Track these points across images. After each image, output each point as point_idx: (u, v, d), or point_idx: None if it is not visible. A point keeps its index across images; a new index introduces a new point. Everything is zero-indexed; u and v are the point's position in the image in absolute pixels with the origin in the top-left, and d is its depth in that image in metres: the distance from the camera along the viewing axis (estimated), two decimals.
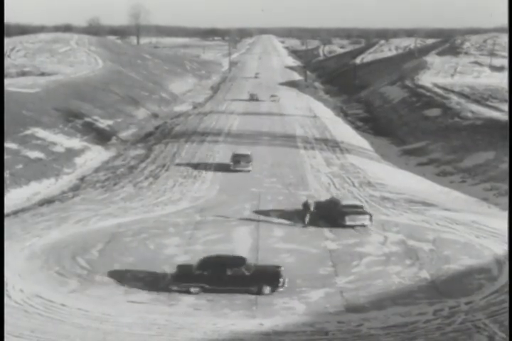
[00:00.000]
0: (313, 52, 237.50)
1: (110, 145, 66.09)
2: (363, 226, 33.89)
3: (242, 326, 22.31)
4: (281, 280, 25.25)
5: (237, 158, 48.63)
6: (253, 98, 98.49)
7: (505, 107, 69.94)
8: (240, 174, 47.58)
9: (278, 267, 26.27)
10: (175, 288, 25.06)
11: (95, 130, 70.32)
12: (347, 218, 33.76)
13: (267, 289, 24.96)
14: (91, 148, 62.59)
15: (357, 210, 34.52)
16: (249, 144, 60.42)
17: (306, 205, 34.58)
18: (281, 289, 25.19)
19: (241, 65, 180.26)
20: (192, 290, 24.87)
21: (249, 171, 47.82)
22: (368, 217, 34.16)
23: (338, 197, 38.05)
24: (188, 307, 23.86)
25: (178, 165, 51.07)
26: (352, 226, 33.73)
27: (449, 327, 22.14)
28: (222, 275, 24.88)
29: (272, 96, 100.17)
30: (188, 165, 50.87)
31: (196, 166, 50.24)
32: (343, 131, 74.35)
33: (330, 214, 34.83)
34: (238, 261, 25.67)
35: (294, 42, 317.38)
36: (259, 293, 24.89)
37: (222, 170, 48.36)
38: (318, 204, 35.84)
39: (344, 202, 35.26)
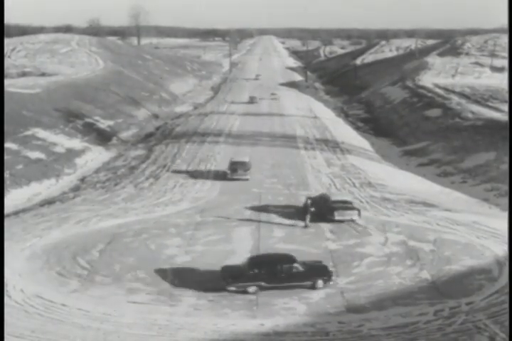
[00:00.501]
0: (313, 52, 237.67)
1: (111, 145, 66.08)
2: (352, 221, 34.88)
3: (243, 326, 22.30)
4: (332, 274, 26.19)
5: (234, 166, 45.45)
6: (253, 101, 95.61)
7: (506, 108, 69.91)
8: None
9: (321, 262, 27.21)
10: (233, 288, 25.09)
11: (96, 130, 70.32)
12: (336, 213, 34.99)
13: (320, 283, 25.73)
14: (91, 149, 62.58)
15: (346, 206, 35.70)
16: (249, 145, 60.48)
17: (306, 206, 34.58)
18: (331, 282, 25.85)
19: (242, 66, 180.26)
20: (250, 289, 25.08)
21: (247, 179, 44.96)
22: (356, 212, 35.35)
23: (329, 192, 38.72)
24: (188, 308, 23.86)
25: (177, 171, 51.01)
26: (341, 221, 34.74)
27: (449, 327, 22.13)
28: (277, 273, 25.33)
29: (272, 94, 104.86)
30: (189, 163, 50.85)
31: (198, 165, 50.24)
32: (344, 132, 74.33)
33: (320, 210, 35.80)
34: (290, 258, 26.20)
35: (295, 43, 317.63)
36: (314, 287, 25.57)
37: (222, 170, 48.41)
38: (311, 200, 36.24)
39: (334, 198, 36.39)
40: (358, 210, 35.59)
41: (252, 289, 25.09)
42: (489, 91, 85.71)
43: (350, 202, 36.55)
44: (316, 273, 25.99)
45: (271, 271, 25.27)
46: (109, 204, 38.94)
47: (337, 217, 35.00)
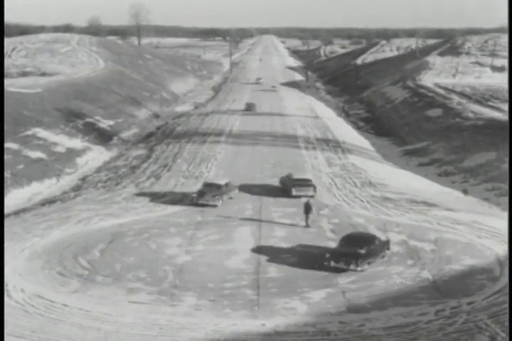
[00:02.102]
0: (314, 52, 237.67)
1: (111, 145, 66.09)
2: (311, 196, 38.99)
3: (244, 326, 22.28)
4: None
5: (204, 189, 38.64)
6: (250, 108, 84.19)
7: (507, 107, 69.86)
8: (240, 174, 47.57)
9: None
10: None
11: (97, 130, 70.34)
12: (293, 189, 40.37)
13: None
14: (92, 149, 62.61)
15: (303, 183, 40.87)
16: (250, 144, 60.48)
17: (307, 205, 34.54)
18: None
19: (242, 65, 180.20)
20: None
21: (215, 206, 37.78)
22: (311, 188, 40.54)
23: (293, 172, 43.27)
24: (189, 308, 23.84)
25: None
26: (299, 197, 39.59)
27: (450, 327, 22.10)
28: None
29: (273, 86, 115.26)
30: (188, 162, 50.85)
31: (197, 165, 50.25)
32: (345, 132, 74.30)
33: (285, 187, 41.36)
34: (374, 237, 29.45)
35: (295, 43, 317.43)
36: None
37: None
38: (280, 180, 43.07)
39: (295, 177, 41.56)
40: (314, 187, 40.71)
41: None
42: (490, 91, 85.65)
43: (308, 180, 41.40)
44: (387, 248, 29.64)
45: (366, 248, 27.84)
46: (110, 204, 38.94)
47: (294, 193, 40.11)
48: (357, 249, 27.58)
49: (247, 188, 42.46)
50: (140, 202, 39.50)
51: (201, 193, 38.04)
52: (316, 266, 27.64)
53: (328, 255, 27.84)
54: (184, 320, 22.75)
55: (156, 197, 40.40)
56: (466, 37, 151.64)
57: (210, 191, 38.07)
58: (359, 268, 27.18)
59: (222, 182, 39.36)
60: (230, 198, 39.34)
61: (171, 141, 63.77)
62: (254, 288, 25.79)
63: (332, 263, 27.48)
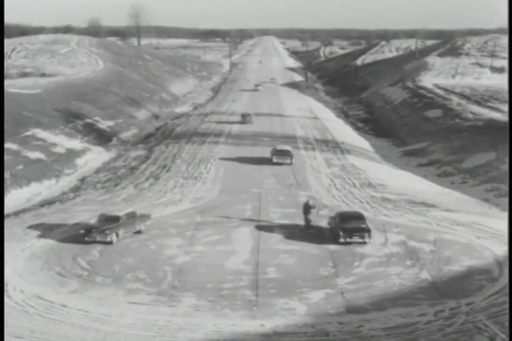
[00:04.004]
0: (313, 53, 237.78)
1: (111, 146, 66.09)
2: (290, 164, 50.14)
3: (243, 327, 22.29)
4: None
5: (97, 223, 32.10)
6: (245, 120, 74.30)
7: (506, 108, 69.89)
8: (239, 175, 47.60)
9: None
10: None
11: (96, 131, 70.34)
12: (274, 158, 50.78)
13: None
14: (92, 149, 62.60)
15: (283, 153, 51.29)
16: (249, 145, 60.50)
17: (306, 206, 34.48)
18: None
19: (242, 67, 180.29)
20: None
21: (109, 243, 31.12)
22: (289, 157, 50.77)
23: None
24: (188, 308, 23.85)
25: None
26: (279, 164, 49.93)
27: (449, 328, 22.10)
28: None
29: (271, 79, 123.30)
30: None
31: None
32: (344, 132, 74.34)
33: (270, 156, 51.30)
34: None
35: (295, 44, 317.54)
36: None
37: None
38: (271, 151, 52.18)
39: (277, 148, 52.69)
40: (292, 156, 50.96)
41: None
42: (489, 92, 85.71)
43: (288, 151, 51.74)
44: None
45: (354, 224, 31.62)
46: (109, 205, 38.93)
47: (274, 160, 50.54)
48: (360, 224, 31.66)
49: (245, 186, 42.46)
50: (140, 202, 39.51)
51: (90, 229, 31.38)
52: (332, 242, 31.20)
53: (341, 233, 31.05)
54: (183, 321, 22.76)
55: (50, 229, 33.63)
56: (465, 38, 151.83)
57: (104, 225, 31.48)
58: (368, 240, 31.12)
59: (121, 213, 32.69)
60: (138, 232, 32.90)
61: (170, 141, 63.78)
62: (253, 288, 25.80)
63: (348, 239, 31.00)
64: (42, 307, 23.67)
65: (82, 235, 31.21)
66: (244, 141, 63.01)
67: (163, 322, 22.64)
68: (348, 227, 31.31)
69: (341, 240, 31.03)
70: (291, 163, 49.94)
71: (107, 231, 30.96)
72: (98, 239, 30.96)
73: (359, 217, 32.55)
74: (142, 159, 55.86)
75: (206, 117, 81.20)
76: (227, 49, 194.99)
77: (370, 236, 31.27)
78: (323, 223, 34.51)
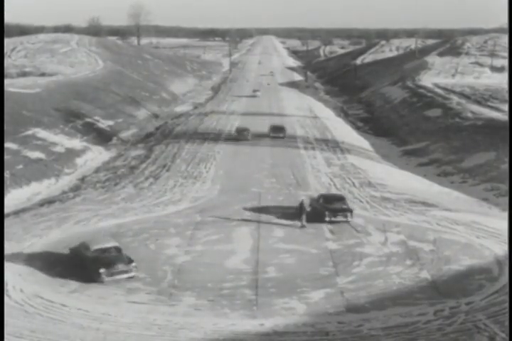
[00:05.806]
0: (313, 52, 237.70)
1: (111, 145, 66.04)
2: (283, 137, 63.15)
3: (243, 326, 22.30)
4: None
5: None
6: (240, 136, 62.34)
7: (506, 107, 69.88)
8: (239, 175, 47.57)
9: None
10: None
11: (96, 130, 70.28)
12: (271, 133, 64.07)
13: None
14: (91, 149, 62.56)
15: (278, 129, 65.03)
16: (249, 144, 60.49)
17: (302, 205, 34.39)
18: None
19: (242, 66, 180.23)
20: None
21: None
22: (283, 132, 64.34)
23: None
24: (188, 308, 23.85)
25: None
26: (275, 137, 62.51)
27: (449, 327, 22.12)
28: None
29: (271, 72, 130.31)
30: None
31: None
32: (344, 132, 74.31)
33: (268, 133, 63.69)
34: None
35: (295, 43, 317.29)
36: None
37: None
38: (269, 127, 64.94)
39: (274, 125, 65.99)
40: (285, 131, 64.73)
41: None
42: (489, 91, 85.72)
43: (283, 127, 65.95)
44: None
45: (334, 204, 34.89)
46: (109, 204, 38.93)
47: (272, 134, 63.74)
48: (343, 205, 34.97)
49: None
50: (140, 201, 39.50)
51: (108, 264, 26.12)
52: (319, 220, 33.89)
53: (327, 212, 34.09)
54: (183, 320, 22.76)
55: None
56: (465, 37, 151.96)
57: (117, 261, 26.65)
58: (350, 219, 34.17)
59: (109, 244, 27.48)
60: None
61: (170, 141, 63.76)
62: (253, 288, 25.81)
63: (332, 218, 34.03)
64: (42, 307, 23.66)
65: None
66: (245, 140, 62.82)
67: (162, 321, 22.64)
68: (332, 207, 34.60)
69: (327, 219, 34.11)
70: (284, 137, 63.23)
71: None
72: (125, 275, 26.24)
73: (341, 198, 36.05)
74: (142, 158, 55.82)
75: (206, 117, 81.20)
76: (227, 48, 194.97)
77: (351, 215, 34.37)
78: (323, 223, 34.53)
